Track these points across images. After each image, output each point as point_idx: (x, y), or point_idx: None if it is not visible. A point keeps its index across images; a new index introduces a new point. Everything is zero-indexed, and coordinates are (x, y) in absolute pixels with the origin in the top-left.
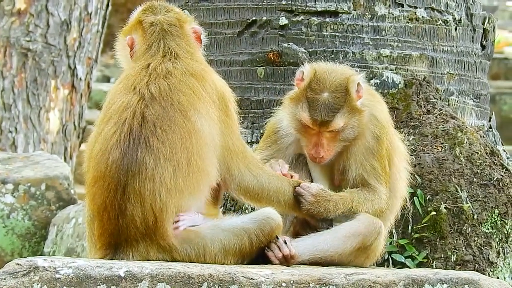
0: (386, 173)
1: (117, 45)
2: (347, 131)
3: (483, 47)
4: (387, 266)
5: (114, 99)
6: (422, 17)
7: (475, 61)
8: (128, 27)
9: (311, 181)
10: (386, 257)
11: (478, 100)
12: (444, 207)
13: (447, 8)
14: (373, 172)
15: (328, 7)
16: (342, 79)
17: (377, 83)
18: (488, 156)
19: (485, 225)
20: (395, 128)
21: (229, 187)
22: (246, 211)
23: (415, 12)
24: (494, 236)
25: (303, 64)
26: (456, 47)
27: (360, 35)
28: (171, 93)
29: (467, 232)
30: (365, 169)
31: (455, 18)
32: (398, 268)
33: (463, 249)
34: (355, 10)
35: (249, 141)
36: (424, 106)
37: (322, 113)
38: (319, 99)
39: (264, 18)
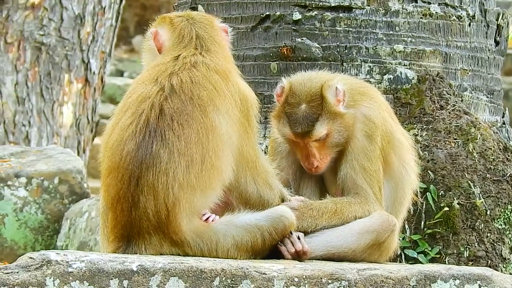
0: (378, 175)
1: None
2: (335, 136)
3: (497, 43)
4: (400, 262)
5: (135, 88)
6: (436, 12)
7: (488, 57)
8: (154, 23)
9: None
10: (399, 252)
11: (491, 96)
12: (457, 203)
13: (461, 4)
14: (363, 172)
15: (342, 2)
16: (317, 88)
17: (390, 78)
18: (501, 152)
19: (498, 221)
20: (407, 124)
21: (230, 193)
22: None
23: (429, 8)
24: (507, 232)
25: (316, 60)
26: (470, 42)
27: (374, 31)
28: (192, 86)
29: (480, 228)
30: (354, 168)
31: (468, 14)
32: (410, 264)
33: (476, 245)
34: (368, 5)
35: (262, 136)
36: (438, 102)
37: (302, 125)
38: (297, 112)
39: (278, 13)
